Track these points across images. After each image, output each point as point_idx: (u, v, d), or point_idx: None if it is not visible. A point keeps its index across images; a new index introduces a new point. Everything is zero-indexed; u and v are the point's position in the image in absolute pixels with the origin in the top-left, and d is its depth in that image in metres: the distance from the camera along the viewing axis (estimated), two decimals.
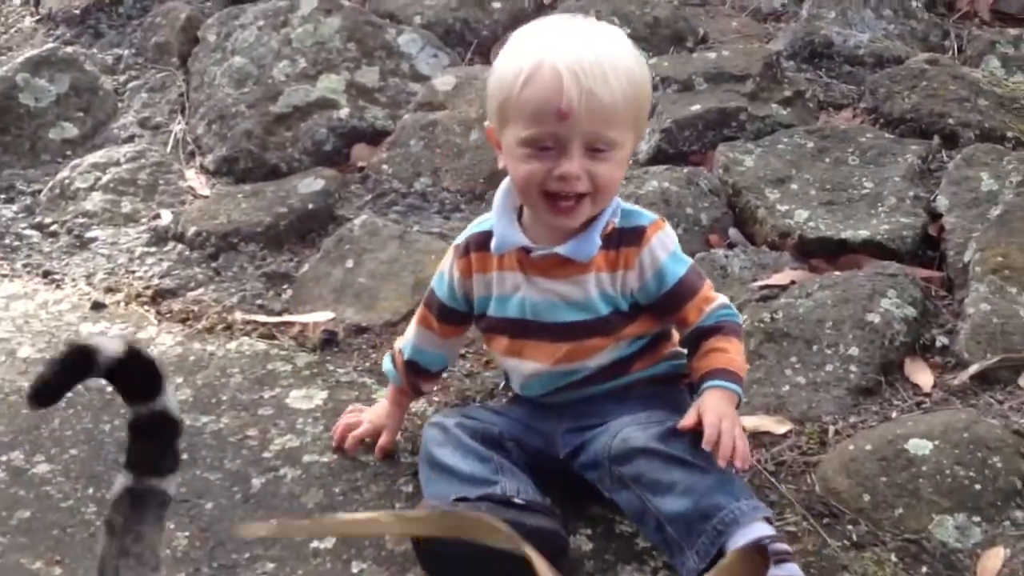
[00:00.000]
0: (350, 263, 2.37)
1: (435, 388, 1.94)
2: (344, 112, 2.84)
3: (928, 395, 1.96)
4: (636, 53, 1.62)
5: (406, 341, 1.83)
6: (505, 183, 1.69)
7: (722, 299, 1.68)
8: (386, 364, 1.86)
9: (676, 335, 1.75)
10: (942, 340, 2.08)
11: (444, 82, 2.90)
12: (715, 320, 1.65)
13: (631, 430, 1.61)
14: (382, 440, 1.82)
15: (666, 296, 1.65)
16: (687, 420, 1.59)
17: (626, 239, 1.64)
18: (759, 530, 1.49)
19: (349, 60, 2.95)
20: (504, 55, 1.62)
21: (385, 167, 2.70)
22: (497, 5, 3.30)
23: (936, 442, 1.76)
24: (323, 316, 2.23)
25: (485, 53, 3.18)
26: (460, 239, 1.76)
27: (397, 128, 2.79)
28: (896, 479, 1.73)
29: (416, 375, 1.82)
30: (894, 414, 1.92)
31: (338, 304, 2.28)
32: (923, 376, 1.99)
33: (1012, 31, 3.14)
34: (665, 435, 1.59)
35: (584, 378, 1.70)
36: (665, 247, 1.65)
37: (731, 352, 1.64)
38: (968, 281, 2.14)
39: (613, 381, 1.70)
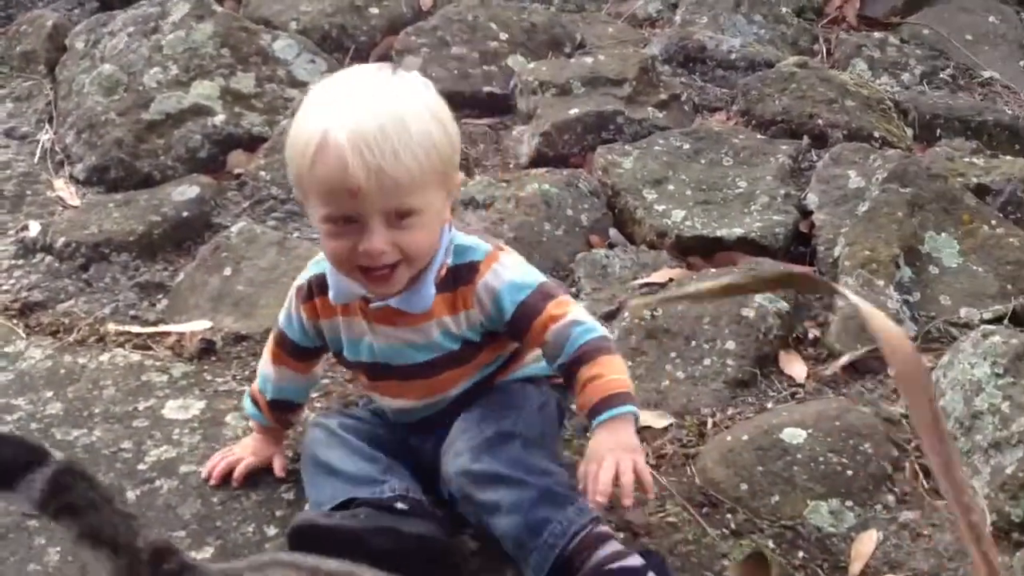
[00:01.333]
0: (228, 271, 2.32)
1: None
2: (219, 119, 2.78)
3: (802, 386, 2.01)
4: (435, 108, 1.52)
5: (264, 382, 1.76)
6: None
7: (572, 314, 1.59)
8: (248, 408, 1.79)
9: None
10: (814, 332, 2.14)
11: None
12: (576, 348, 1.57)
13: (458, 447, 1.59)
14: (278, 465, 1.77)
15: (511, 323, 1.60)
16: (581, 485, 1.54)
17: (461, 277, 1.59)
18: (603, 546, 1.51)
19: (223, 66, 2.90)
20: (296, 120, 1.54)
21: (263, 173, 2.65)
22: (374, 11, 3.29)
23: (810, 431, 1.81)
24: (200, 325, 2.18)
25: (364, 58, 3.16)
26: (302, 279, 1.69)
27: (275, 134, 2.75)
28: (772, 468, 1.77)
29: (283, 412, 1.78)
30: (770, 405, 1.97)
31: (216, 313, 2.23)
32: (797, 367, 2.04)
33: (877, 34, 3.26)
34: (485, 450, 1.56)
35: (451, 403, 1.68)
36: (500, 278, 1.59)
37: (604, 374, 1.56)
38: (838, 275, 2.21)
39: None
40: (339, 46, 3.17)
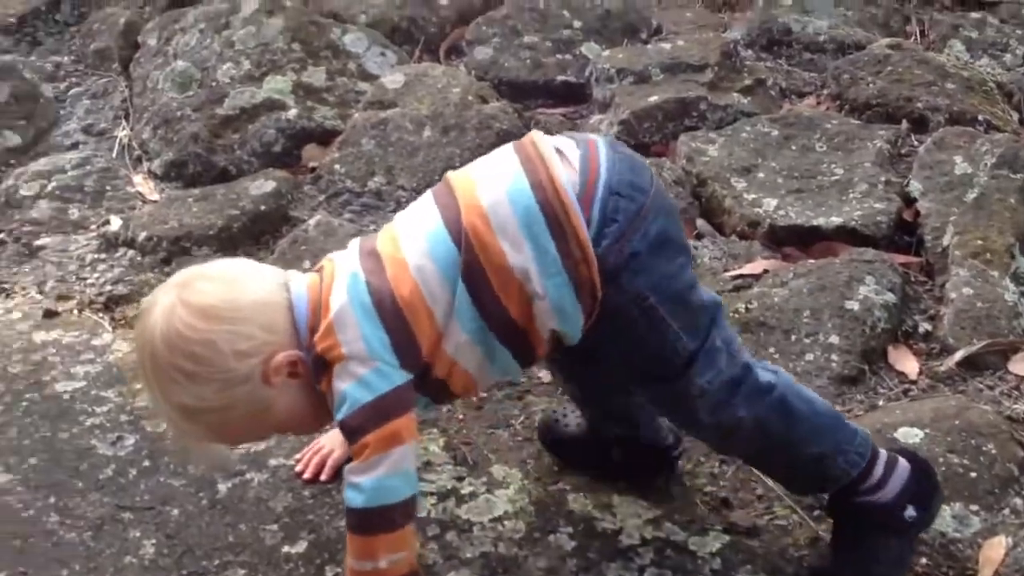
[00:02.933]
0: (306, 264, 2.27)
1: None
2: (292, 113, 2.75)
3: (914, 382, 1.91)
4: (188, 415, 1.41)
5: None
6: None
7: (354, 484, 1.39)
8: None
9: None
10: (925, 326, 2.03)
11: (393, 80, 2.82)
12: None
13: None
14: None
15: None
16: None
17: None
18: None
19: (294, 61, 2.86)
20: None
21: (337, 167, 2.61)
22: (444, 2, 3.24)
23: (927, 430, 1.71)
24: None
25: (434, 51, 3.12)
26: None
27: (348, 127, 2.71)
28: None
29: None
30: (881, 402, 1.87)
31: None
32: (908, 363, 1.94)
33: (974, 15, 3.14)
34: None
35: None
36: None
37: (351, 556, 1.42)
38: (948, 265, 2.10)
39: None
40: (409, 38, 3.13)
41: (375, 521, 1.38)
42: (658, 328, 1.40)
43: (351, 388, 1.37)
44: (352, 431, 1.38)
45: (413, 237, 1.42)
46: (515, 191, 1.38)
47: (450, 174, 1.49)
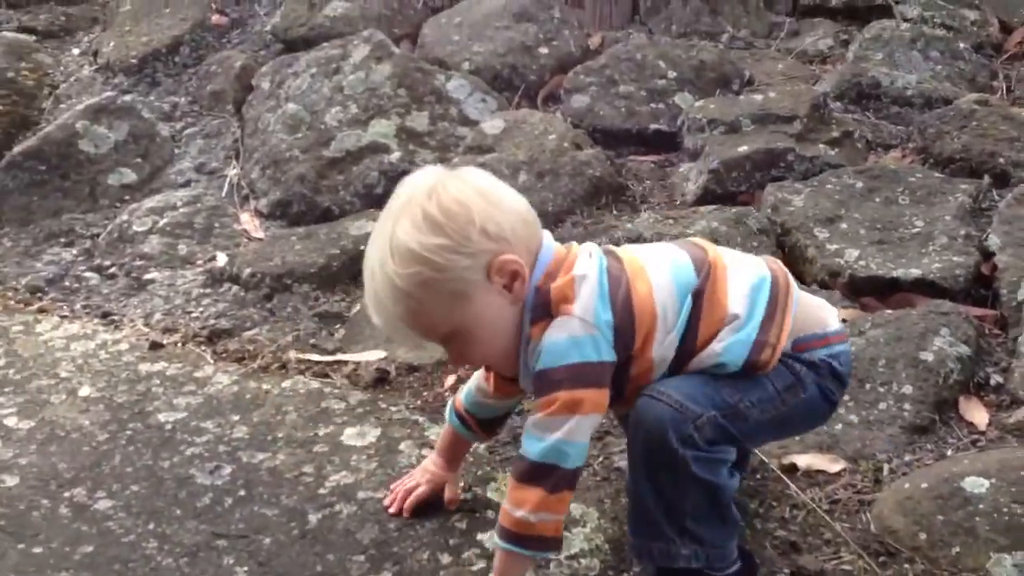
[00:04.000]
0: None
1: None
2: (395, 156, 2.88)
3: (983, 433, 1.94)
4: (404, 258, 1.46)
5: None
6: None
7: (532, 435, 1.51)
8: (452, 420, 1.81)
9: None
10: (996, 378, 2.06)
11: (492, 126, 2.94)
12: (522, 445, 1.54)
13: None
14: (448, 495, 1.80)
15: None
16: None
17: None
18: None
19: (399, 105, 3.00)
20: None
21: None
22: (544, 51, 3.35)
23: (992, 480, 1.74)
24: (375, 355, 2.26)
25: (532, 97, 3.23)
26: None
27: None
28: (952, 517, 1.70)
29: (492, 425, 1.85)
30: (949, 452, 1.90)
31: (389, 343, 2.30)
32: (978, 414, 1.97)
33: None
34: None
35: None
36: (545, 337, 1.52)
37: (507, 500, 1.53)
38: (1022, 320, 2.13)
39: None
40: (509, 85, 3.24)
41: (540, 476, 1.49)
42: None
43: (566, 342, 1.49)
44: (550, 383, 1.49)
45: (657, 258, 1.59)
46: (758, 269, 1.60)
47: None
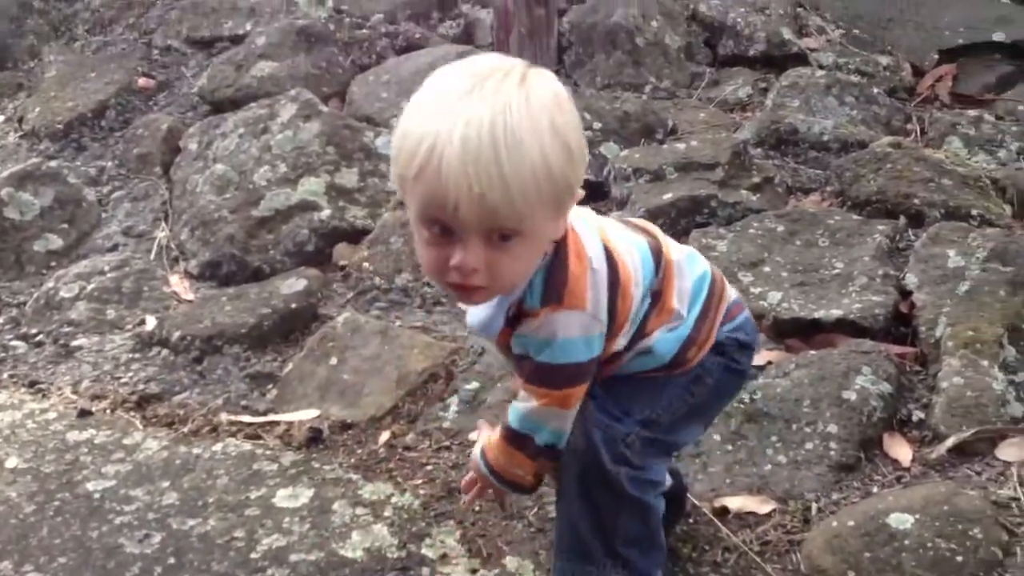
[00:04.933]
0: (334, 360, 2.39)
1: None
2: (325, 213, 2.90)
3: (907, 469, 1.98)
4: (560, 125, 1.35)
5: None
6: None
7: (518, 404, 1.56)
8: None
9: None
10: (918, 414, 2.11)
11: None
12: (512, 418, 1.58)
13: None
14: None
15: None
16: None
17: (524, 320, 1.49)
18: None
19: (328, 163, 3.02)
20: (409, 114, 1.38)
21: (366, 264, 2.75)
22: None
23: (917, 515, 1.78)
24: (308, 414, 2.26)
25: None
26: None
27: (377, 226, 2.85)
28: (879, 554, 1.74)
29: None
30: (875, 489, 1.94)
31: (323, 402, 2.30)
32: (902, 451, 2.02)
33: (972, 112, 3.24)
34: None
35: None
36: (540, 330, 1.48)
37: (491, 447, 1.61)
38: (940, 356, 2.19)
39: None
40: None
41: (521, 443, 1.57)
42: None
43: (580, 342, 1.47)
44: (552, 378, 1.50)
45: (630, 248, 1.54)
46: (701, 266, 1.63)
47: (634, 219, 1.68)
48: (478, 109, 1.31)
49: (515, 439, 1.58)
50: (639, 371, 1.60)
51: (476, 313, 1.55)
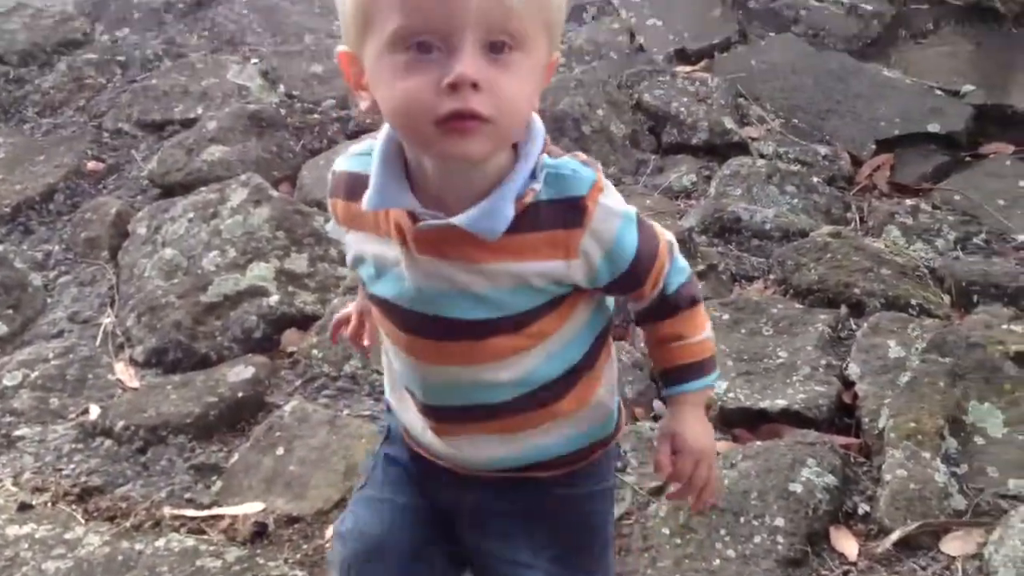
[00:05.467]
0: (280, 451, 2.37)
1: None
2: (274, 299, 2.89)
3: (854, 564, 2.00)
4: None
5: None
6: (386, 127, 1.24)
7: (674, 262, 1.33)
8: None
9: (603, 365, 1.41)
10: (864, 507, 2.14)
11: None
12: (671, 291, 1.32)
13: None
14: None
15: (621, 277, 1.26)
16: (661, 467, 1.36)
17: (558, 218, 1.21)
18: None
19: (278, 248, 3.02)
20: None
21: (315, 351, 2.74)
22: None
23: None
24: (253, 507, 2.23)
25: None
26: (338, 165, 1.33)
27: (327, 312, 2.85)
28: None
29: None
30: None
31: (268, 494, 2.28)
32: (848, 544, 2.04)
33: (909, 201, 3.33)
34: None
35: (499, 403, 1.32)
36: (611, 214, 1.23)
37: (691, 336, 1.35)
38: (884, 447, 2.22)
39: (534, 426, 1.36)
40: None
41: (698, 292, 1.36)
42: None
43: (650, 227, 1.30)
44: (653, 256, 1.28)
45: None
46: None
47: None
48: None
49: (697, 291, 1.35)
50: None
51: (458, 189, 1.20)
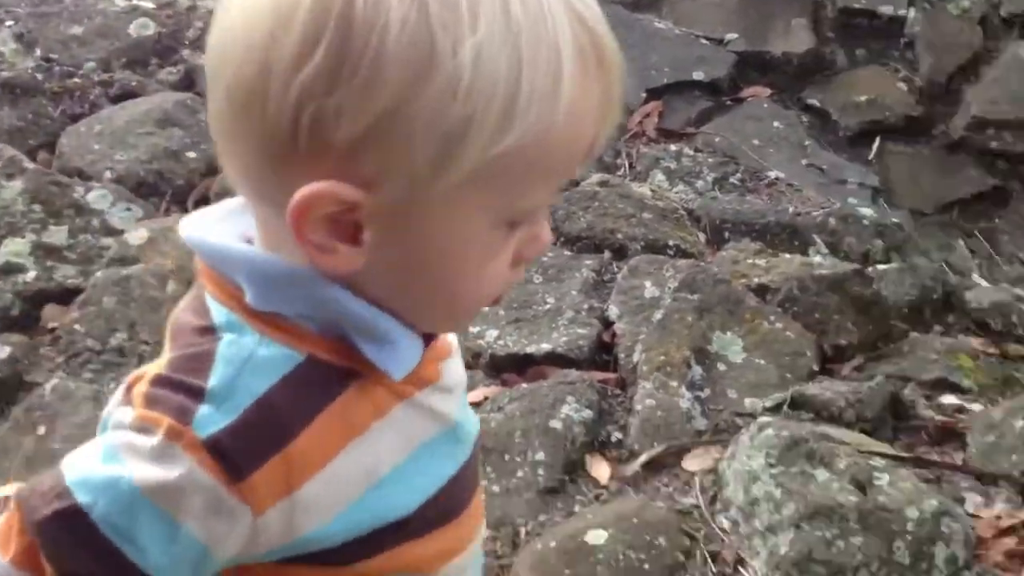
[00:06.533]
0: (42, 430, 2.30)
1: None
2: (31, 275, 2.78)
3: (606, 487, 2.10)
4: None
5: None
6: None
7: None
8: None
9: None
10: (617, 435, 2.24)
11: (137, 236, 2.89)
12: None
13: None
14: None
15: None
16: None
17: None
18: None
19: (35, 222, 2.90)
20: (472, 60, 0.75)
21: (77, 326, 2.65)
22: (191, 155, 3.35)
23: (611, 530, 1.90)
24: (11, 490, 2.15)
25: (182, 201, 3.20)
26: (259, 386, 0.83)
27: (89, 286, 2.76)
28: (578, 570, 1.84)
29: None
30: (577, 508, 2.05)
31: (30, 475, 2.19)
32: (601, 470, 2.14)
33: (673, 146, 3.47)
34: None
35: None
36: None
37: None
38: (637, 380, 2.33)
39: None
40: (155, 191, 3.20)
41: None
42: None
43: None
44: None
45: None
46: None
47: None
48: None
49: None
50: None
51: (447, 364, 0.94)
